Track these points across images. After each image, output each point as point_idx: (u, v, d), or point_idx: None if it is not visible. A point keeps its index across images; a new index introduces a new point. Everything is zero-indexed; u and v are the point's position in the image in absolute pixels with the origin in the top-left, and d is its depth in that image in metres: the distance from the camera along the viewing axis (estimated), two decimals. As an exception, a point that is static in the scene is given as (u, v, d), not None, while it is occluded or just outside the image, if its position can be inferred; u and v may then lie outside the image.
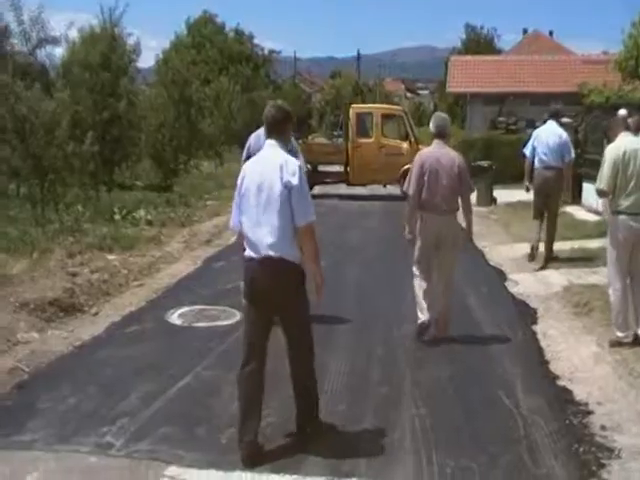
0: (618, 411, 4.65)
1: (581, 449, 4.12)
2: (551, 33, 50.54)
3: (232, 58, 38.05)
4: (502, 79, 28.63)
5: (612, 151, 5.81)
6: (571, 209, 13.14)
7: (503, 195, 15.67)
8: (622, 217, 5.76)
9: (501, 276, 8.96)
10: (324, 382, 4.98)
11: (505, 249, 10.58)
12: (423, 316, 6.14)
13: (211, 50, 37.58)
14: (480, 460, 3.98)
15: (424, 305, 6.15)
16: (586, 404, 4.78)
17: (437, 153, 6.13)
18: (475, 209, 16.09)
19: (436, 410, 4.67)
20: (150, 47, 44.50)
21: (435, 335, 6.18)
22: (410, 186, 6.12)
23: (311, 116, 56.44)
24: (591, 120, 14.74)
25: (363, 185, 18.51)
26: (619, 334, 5.89)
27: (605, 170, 5.79)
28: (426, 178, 6.03)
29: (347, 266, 9.48)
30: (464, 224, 6.30)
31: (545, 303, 7.50)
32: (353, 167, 17.98)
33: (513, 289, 8.24)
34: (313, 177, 18.68)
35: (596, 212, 12.64)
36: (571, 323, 6.77)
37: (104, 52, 16.00)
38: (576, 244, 10.22)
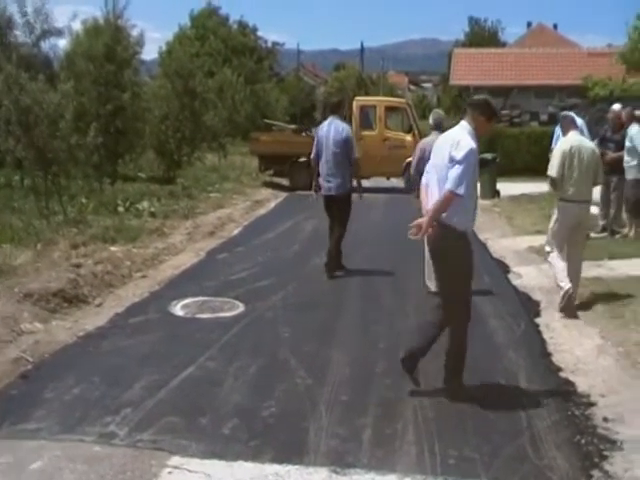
0: (621, 403, 4.65)
1: (583, 440, 4.13)
2: (555, 26, 50.42)
3: (236, 50, 38.02)
4: (506, 72, 28.56)
5: (562, 145, 6.88)
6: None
7: (507, 188, 15.66)
8: (566, 203, 6.84)
9: (504, 268, 8.96)
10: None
11: (508, 242, 10.58)
12: (432, 286, 6.79)
13: (215, 42, 37.54)
14: (483, 450, 3.99)
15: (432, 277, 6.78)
16: (589, 396, 4.79)
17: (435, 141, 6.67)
18: (478, 202, 16.16)
19: (441, 405, 4.66)
20: (154, 39, 44.51)
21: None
22: (412, 169, 7.52)
23: (315, 109, 56.38)
24: (595, 113, 14.68)
25: (366, 178, 18.45)
26: (564, 285, 6.75)
27: (555, 161, 6.82)
28: (426, 162, 6.48)
29: (351, 257, 9.45)
30: None
31: (548, 296, 7.49)
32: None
33: (516, 281, 8.25)
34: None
35: (598, 204, 12.59)
36: (574, 315, 6.77)
37: (108, 44, 15.96)
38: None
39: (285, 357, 5.58)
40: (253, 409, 4.57)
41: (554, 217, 7.12)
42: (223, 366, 5.35)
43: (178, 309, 6.97)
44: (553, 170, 6.83)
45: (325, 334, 6.22)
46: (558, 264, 6.96)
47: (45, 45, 17.31)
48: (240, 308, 7.01)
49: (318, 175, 8.52)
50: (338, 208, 8.45)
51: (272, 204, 15.88)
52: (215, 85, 26.27)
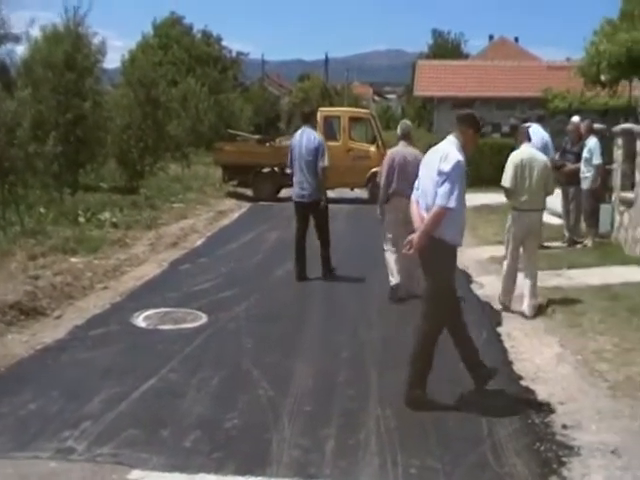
0: (579, 410, 4.74)
1: (543, 447, 4.19)
2: (517, 39, 51.33)
3: (200, 60, 37.83)
4: (468, 84, 28.98)
5: (514, 157, 7.29)
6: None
7: (470, 199, 15.69)
8: (519, 212, 7.26)
9: (467, 278, 9.05)
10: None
11: (471, 252, 10.68)
12: (394, 279, 7.74)
13: (178, 51, 37.28)
14: (445, 459, 4.01)
15: (395, 270, 7.74)
16: (548, 404, 4.86)
17: (403, 151, 7.87)
18: (441, 212, 16.26)
19: (400, 411, 4.69)
20: (116, 48, 43.90)
21: (401, 296, 7.63)
22: (383, 177, 7.82)
23: (279, 119, 56.47)
24: (555, 125, 15.00)
25: (330, 188, 18.48)
26: (503, 298, 7.38)
27: (508, 173, 7.22)
28: (396, 170, 7.69)
29: (315, 267, 9.46)
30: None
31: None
32: (321, 170, 17.94)
33: (478, 291, 8.34)
34: (281, 179, 18.69)
35: (560, 215, 12.84)
36: (535, 324, 6.88)
37: (68, 51, 15.72)
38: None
39: (248, 368, 5.55)
40: (215, 421, 4.53)
41: (507, 225, 7.54)
42: (185, 378, 5.29)
43: (140, 320, 6.88)
44: (506, 181, 7.24)
45: (288, 345, 6.20)
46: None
47: (1, 51, 16.99)
48: (203, 319, 6.95)
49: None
50: (315, 215, 8.72)
51: (236, 214, 15.81)
52: (178, 94, 26.12)
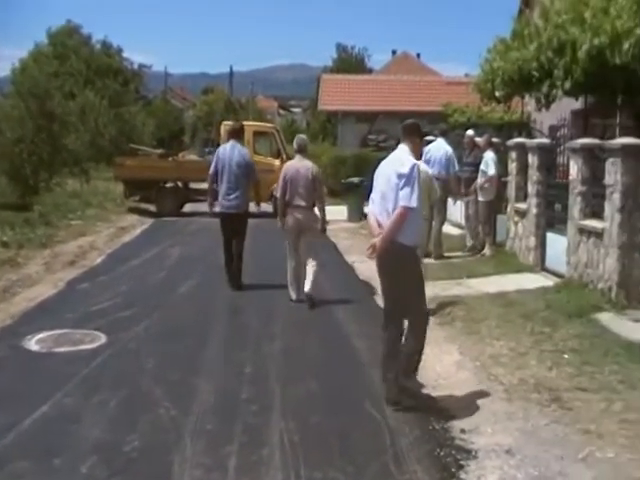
0: (476, 414, 4.88)
1: (442, 453, 4.28)
2: (418, 55, 53.03)
3: (99, 71, 36.56)
4: (372, 98, 29.61)
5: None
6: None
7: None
8: None
9: (370, 290, 9.16)
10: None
11: (374, 264, 10.85)
12: (294, 295, 8.32)
13: (76, 62, 35.84)
14: (347, 471, 4.03)
15: (294, 285, 8.32)
16: (448, 409, 4.98)
17: (297, 164, 8.30)
18: (346, 225, 16.57)
19: (307, 429, 4.66)
20: (4, 56, 41.95)
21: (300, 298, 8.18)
22: (279, 190, 8.29)
23: (183, 132, 55.71)
24: (454, 138, 15.49)
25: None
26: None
27: None
28: (288, 183, 8.13)
29: (218, 283, 9.34)
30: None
31: (411, 314, 7.75)
32: (225, 184, 17.77)
33: (382, 303, 8.44)
34: (185, 194, 18.40)
35: (460, 226, 13.28)
36: (435, 333, 7.01)
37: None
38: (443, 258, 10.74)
39: (149, 388, 5.39)
40: (114, 444, 4.37)
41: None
42: (81, 402, 5.07)
43: (33, 344, 6.54)
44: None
45: (191, 362, 6.07)
46: None
47: None
48: (102, 340, 6.70)
49: (214, 193, 9.02)
50: (238, 225, 8.99)
51: (138, 230, 15.39)
52: (77, 107, 25.24)
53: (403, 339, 5.14)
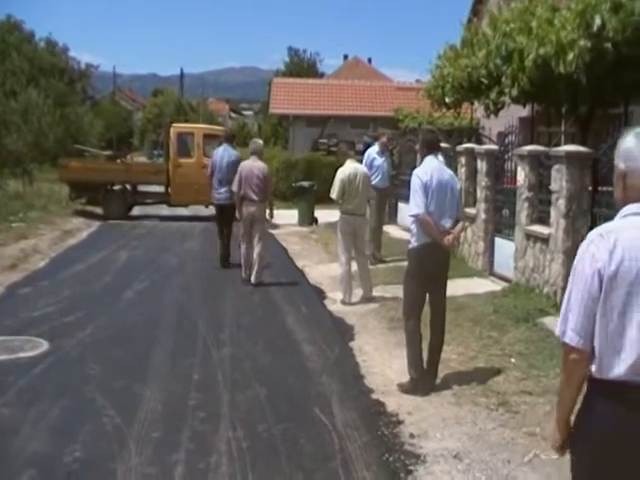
0: (425, 419, 4.88)
1: (391, 458, 4.26)
2: (370, 60, 53.40)
3: (43, 70, 35.54)
4: (324, 102, 29.68)
5: (341, 173, 8.58)
6: (387, 228, 13.78)
7: (324, 215, 16.09)
8: (346, 216, 8.57)
9: (320, 295, 9.14)
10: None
11: (325, 268, 10.84)
12: (243, 274, 9.65)
13: (18, 59, 34.70)
14: (295, 478, 3.97)
15: (245, 266, 9.62)
16: (397, 414, 4.97)
17: (251, 164, 9.58)
18: (296, 229, 16.50)
19: (252, 431, 4.61)
20: None
21: (251, 281, 9.38)
22: (235, 185, 9.50)
23: (132, 135, 54.84)
24: (405, 143, 15.60)
25: (184, 206, 18.17)
26: (344, 296, 8.53)
27: (336, 186, 8.52)
28: (243, 180, 9.42)
29: (165, 288, 9.18)
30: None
31: (362, 319, 7.76)
32: (174, 187, 17.43)
33: (332, 307, 8.44)
34: (133, 197, 18.05)
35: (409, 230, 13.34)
36: (385, 338, 7.05)
37: None
38: (391, 262, 10.76)
39: (92, 396, 5.23)
40: (54, 456, 4.22)
41: (338, 229, 8.86)
42: (19, 412, 4.89)
43: (-32, 352, 6.29)
44: (334, 193, 8.58)
45: (136, 369, 5.93)
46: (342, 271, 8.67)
47: None
48: (43, 347, 6.49)
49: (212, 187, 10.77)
50: (227, 214, 10.60)
51: (84, 234, 15.02)
52: (19, 107, 24.53)
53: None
